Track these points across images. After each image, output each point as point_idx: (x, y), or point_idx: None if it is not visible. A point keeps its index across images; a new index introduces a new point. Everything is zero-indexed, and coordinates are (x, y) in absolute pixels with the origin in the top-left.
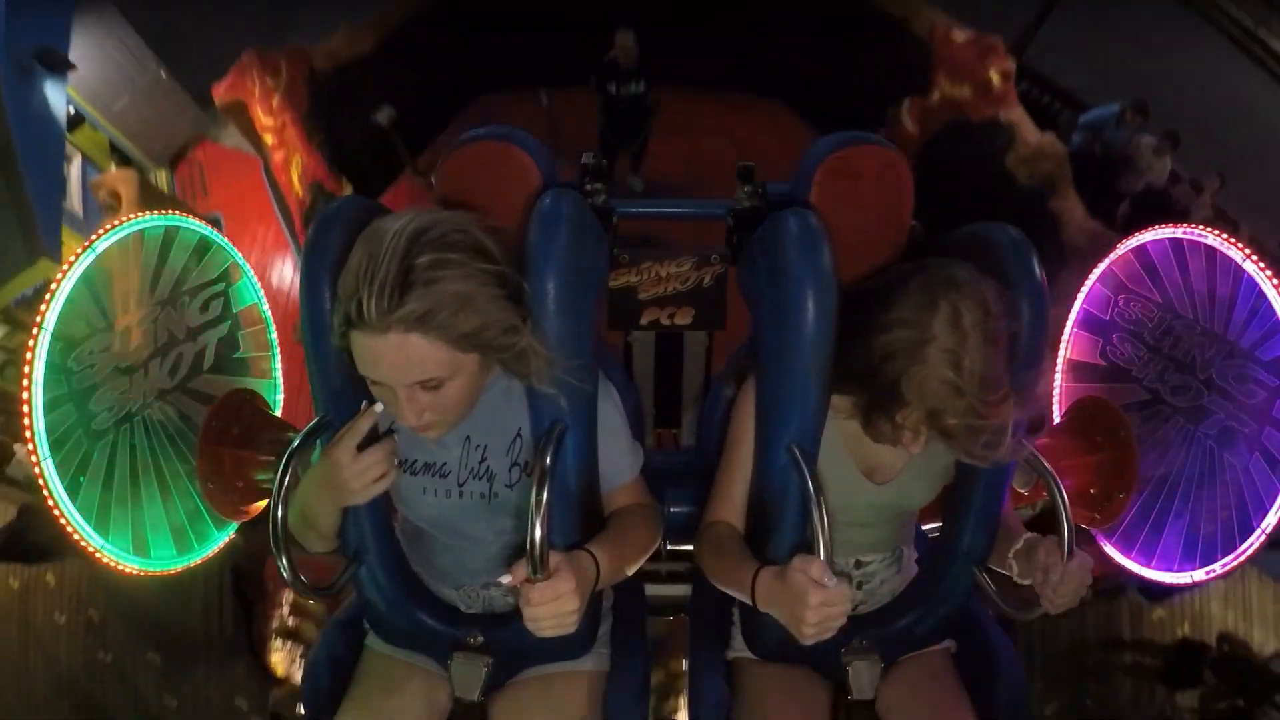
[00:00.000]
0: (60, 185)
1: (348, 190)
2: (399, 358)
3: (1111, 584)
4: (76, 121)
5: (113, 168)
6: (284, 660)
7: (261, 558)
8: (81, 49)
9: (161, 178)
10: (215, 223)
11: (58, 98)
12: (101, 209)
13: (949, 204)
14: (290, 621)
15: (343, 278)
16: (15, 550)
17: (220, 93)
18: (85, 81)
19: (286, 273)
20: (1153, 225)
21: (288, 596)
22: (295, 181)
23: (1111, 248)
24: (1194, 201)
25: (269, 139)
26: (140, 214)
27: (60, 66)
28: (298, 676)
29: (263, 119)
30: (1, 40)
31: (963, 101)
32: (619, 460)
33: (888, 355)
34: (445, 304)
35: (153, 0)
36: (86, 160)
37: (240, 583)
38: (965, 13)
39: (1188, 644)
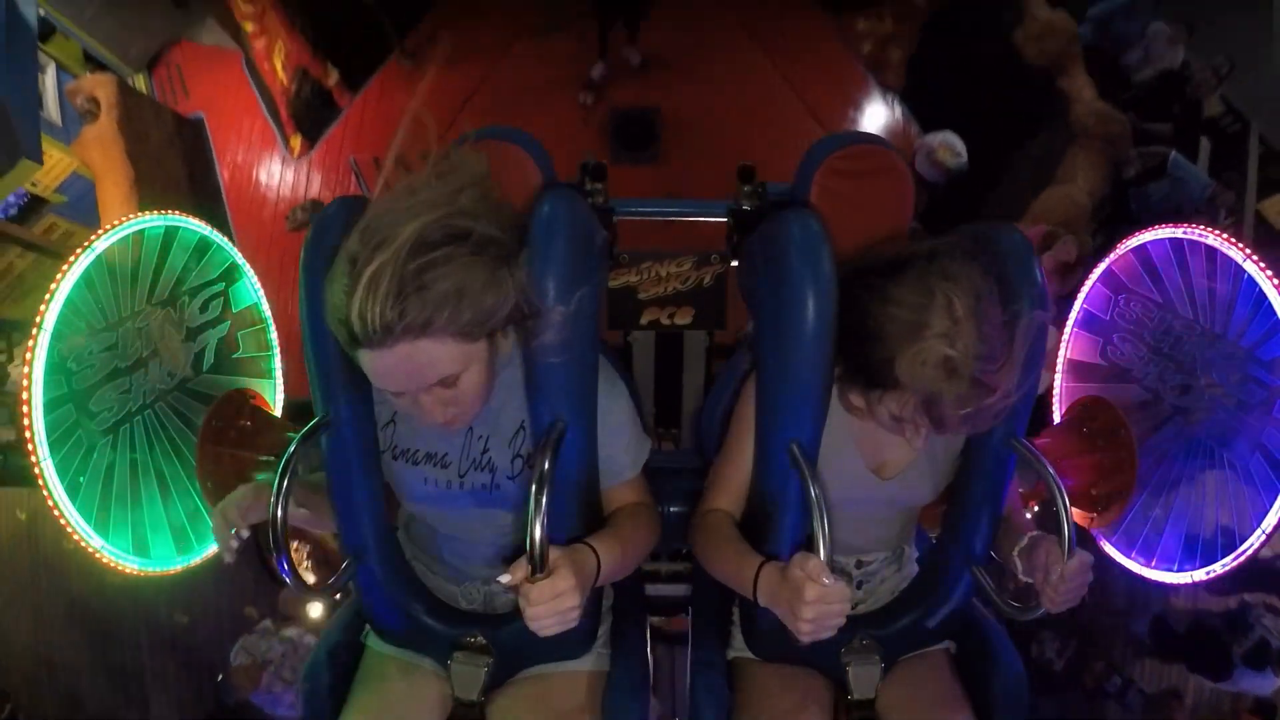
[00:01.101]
0: (35, 89)
1: (334, 76)
2: (409, 366)
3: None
4: (48, 31)
5: (88, 75)
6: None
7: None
8: None
9: (140, 82)
10: (199, 122)
11: (27, 2)
12: (80, 115)
13: (955, 80)
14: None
15: (330, 297)
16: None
17: None
18: None
19: (275, 168)
20: (1162, 125)
21: None
22: (279, 69)
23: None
24: (1212, 88)
25: (249, 26)
26: (139, 215)
27: None
28: (305, 576)
29: (242, 5)
30: None
31: None
32: (621, 456)
33: (881, 334)
34: (443, 304)
35: None
36: (60, 69)
37: None
38: None
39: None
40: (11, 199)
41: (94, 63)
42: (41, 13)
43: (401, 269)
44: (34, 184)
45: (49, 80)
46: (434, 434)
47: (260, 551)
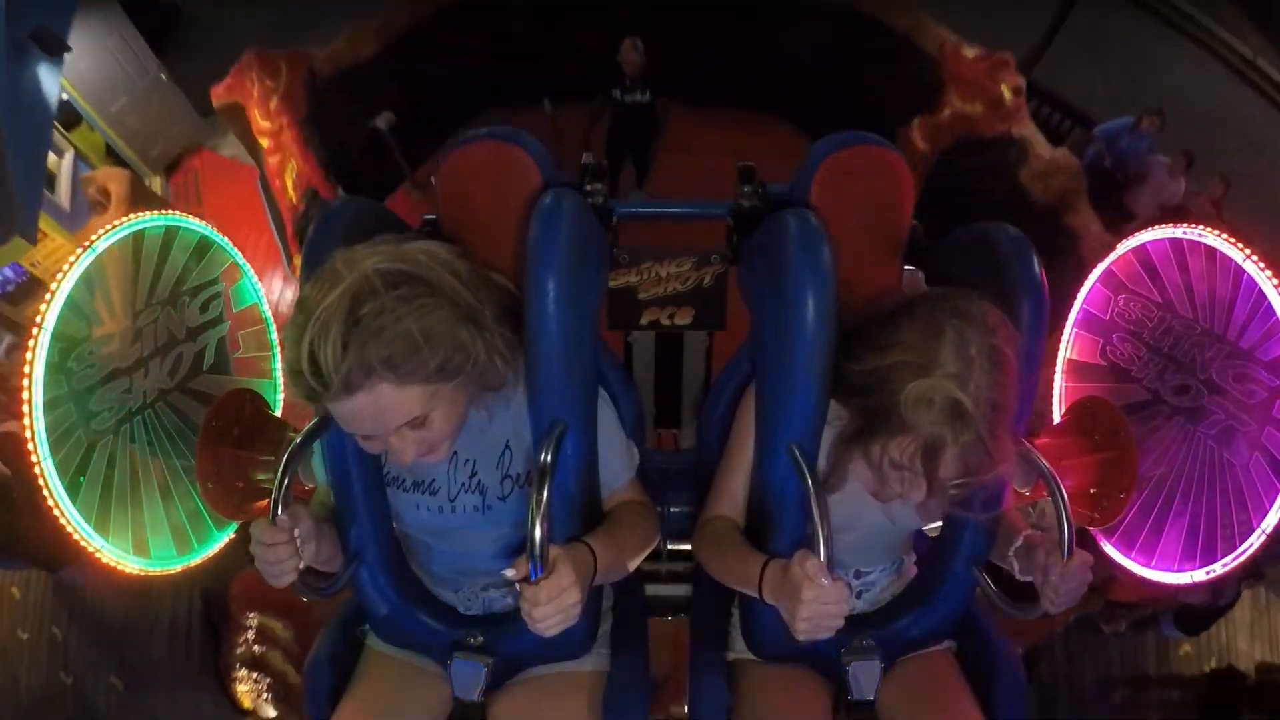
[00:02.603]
0: (42, 168)
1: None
2: (373, 410)
3: (1138, 617)
4: (74, 120)
5: (104, 167)
6: (250, 693)
7: (227, 578)
8: (82, 43)
9: (156, 183)
10: None
11: (50, 81)
12: (90, 207)
13: (962, 220)
14: (256, 649)
15: (286, 351)
16: None
17: (219, 93)
18: (84, 79)
19: (276, 283)
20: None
21: (253, 621)
22: (289, 187)
23: (1111, 247)
24: (1211, 219)
25: (265, 142)
26: (140, 214)
27: (56, 49)
28: (265, 710)
29: (260, 121)
30: (2, 15)
31: (974, 117)
32: (615, 462)
33: (888, 378)
34: (402, 346)
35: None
36: (80, 157)
37: (209, 608)
38: (970, 34)
39: (1222, 675)
40: (11, 274)
41: (114, 157)
42: (67, 98)
43: (356, 312)
44: (34, 265)
45: (65, 166)
46: (419, 462)
47: (218, 672)
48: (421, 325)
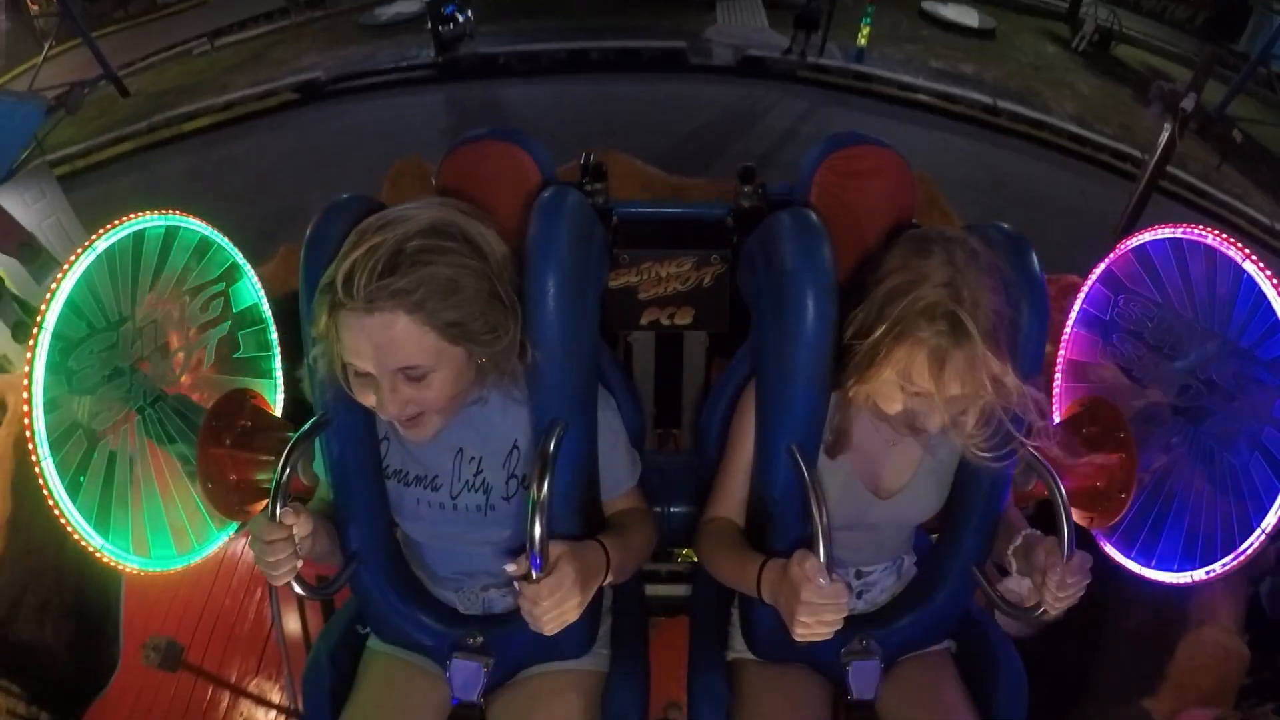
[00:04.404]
0: None
1: None
2: (383, 337)
3: None
4: None
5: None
6: None
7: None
8: None
9: None
10: None
11: None
12: None
13: None
14: None
15: (335, 262)
16: None
17: None
18: None
19: None
20: None
21: None
22: None
23: (1112, 248)
24: None
25: None
26: (140, 214)
27: None
28: None
29: None
30: None
31: None
32: (619, 468)
33: (887, 300)
34: (433, 286)
35: None
36: None
37: None
38: None
39: None
40: None
41: None
42: None
43: (404, 243)
44: None
45: None
46: (423, 455)
47: None
48: (461, 280)
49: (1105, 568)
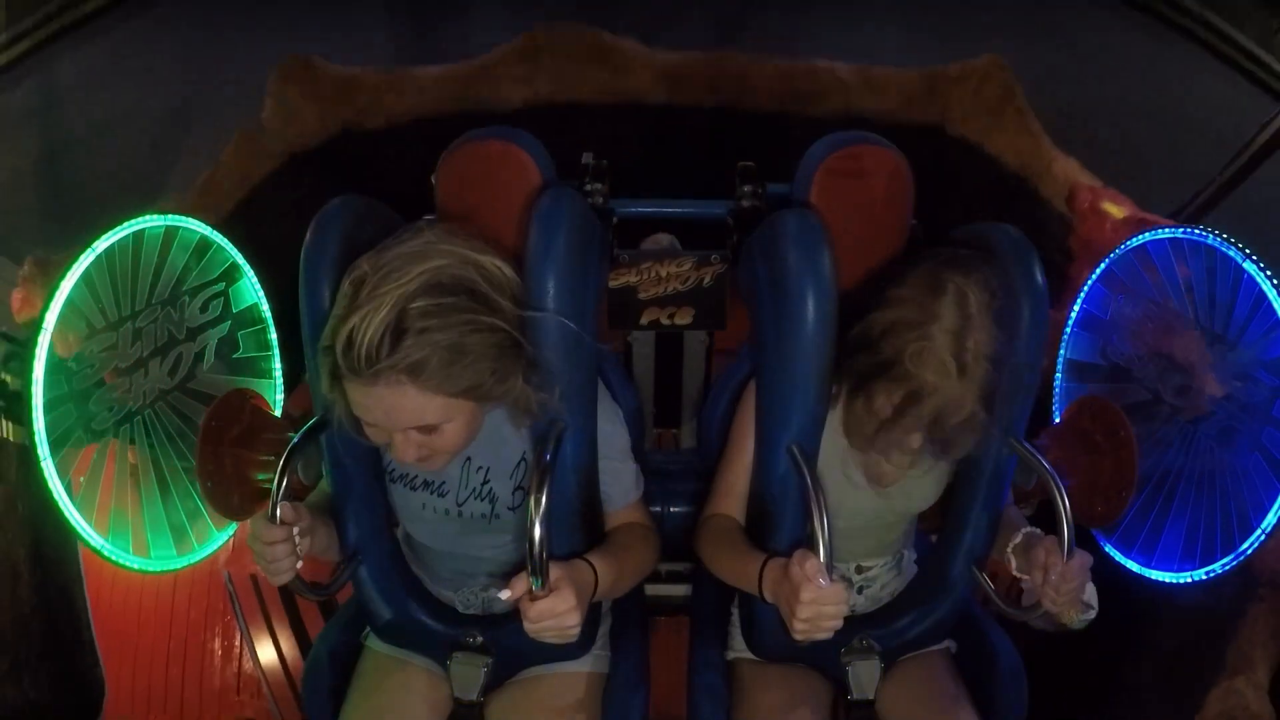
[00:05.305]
0: None
1: None
2: (390, 406)
3: None
4: None
5: None
6: None
7: None
8: None
9: None
10: None
11: None
12: None
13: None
14: None
15: (330, 323)
16: None
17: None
18: None
19: None
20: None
21: None
22: None
23: (1112, 248)
24: None
25: None
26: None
27: None
28: None
29: None
30: None
31: None
32: (623, 480)
33: (889, 330)
34: (440, 357)
35: None
36: None
37: None
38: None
39: None
40: None
41: None
42: None
43: (406, 304)
44: None
45: None
46: None
47: None
48: (468, 341)
49: (1135, 589)
